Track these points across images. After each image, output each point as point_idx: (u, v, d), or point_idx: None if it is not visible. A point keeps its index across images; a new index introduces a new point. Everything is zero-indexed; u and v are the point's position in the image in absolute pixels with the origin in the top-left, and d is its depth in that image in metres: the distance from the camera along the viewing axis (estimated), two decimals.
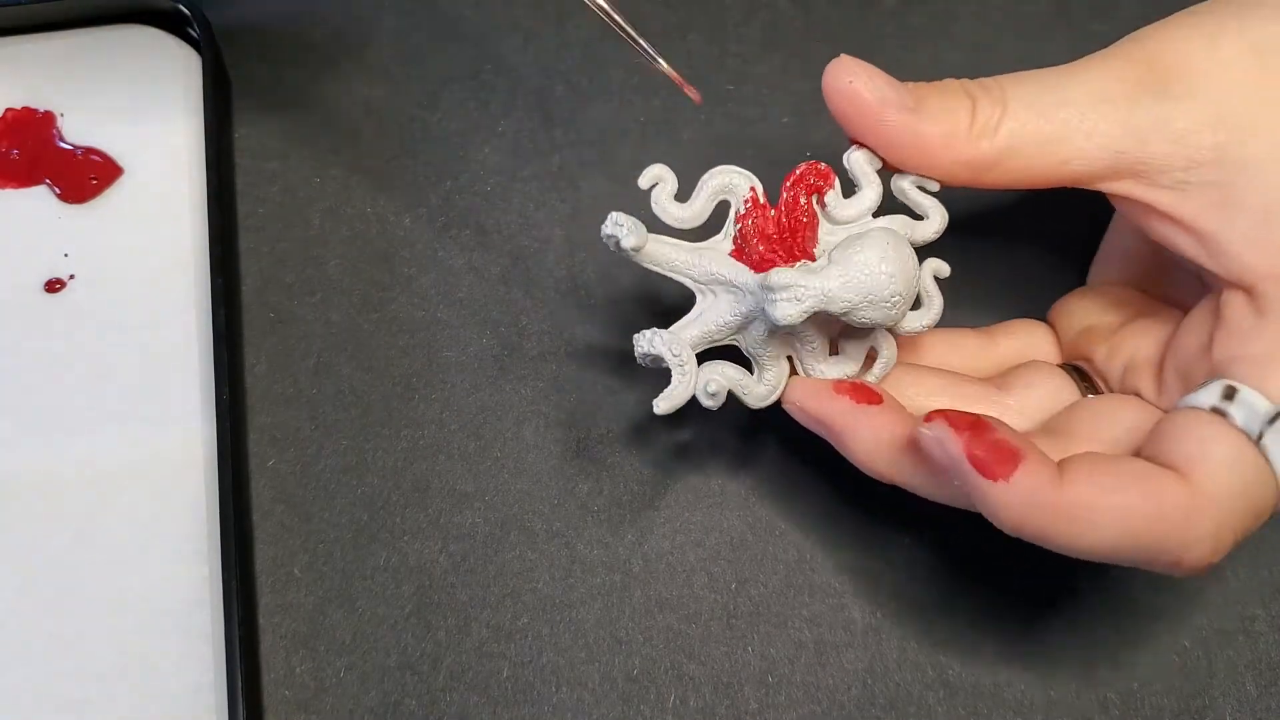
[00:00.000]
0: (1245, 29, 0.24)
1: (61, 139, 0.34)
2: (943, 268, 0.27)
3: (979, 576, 0.30)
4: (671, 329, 0.27)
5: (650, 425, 0.32)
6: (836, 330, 0.27)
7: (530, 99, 0.35)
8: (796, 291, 0.24)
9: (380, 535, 0.30)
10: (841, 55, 0.25)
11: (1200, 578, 0.30)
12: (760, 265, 0.26)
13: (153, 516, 0.30)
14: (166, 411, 0.31)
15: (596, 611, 0.30)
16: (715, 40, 0.36)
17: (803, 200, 0.27)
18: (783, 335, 0.27)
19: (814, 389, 0.27)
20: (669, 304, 0.32)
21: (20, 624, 0.29)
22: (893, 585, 0.30)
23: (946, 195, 0.26)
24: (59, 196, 0.33)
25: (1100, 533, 0.22)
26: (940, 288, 0.27)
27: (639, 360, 0.27)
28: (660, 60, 0.27)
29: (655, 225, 0.27)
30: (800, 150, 0.34)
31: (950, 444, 0.22)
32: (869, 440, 0.25)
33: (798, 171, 0.27)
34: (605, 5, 0.27)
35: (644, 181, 0.27)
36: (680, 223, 0.27)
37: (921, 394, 0.27)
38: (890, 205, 0.27)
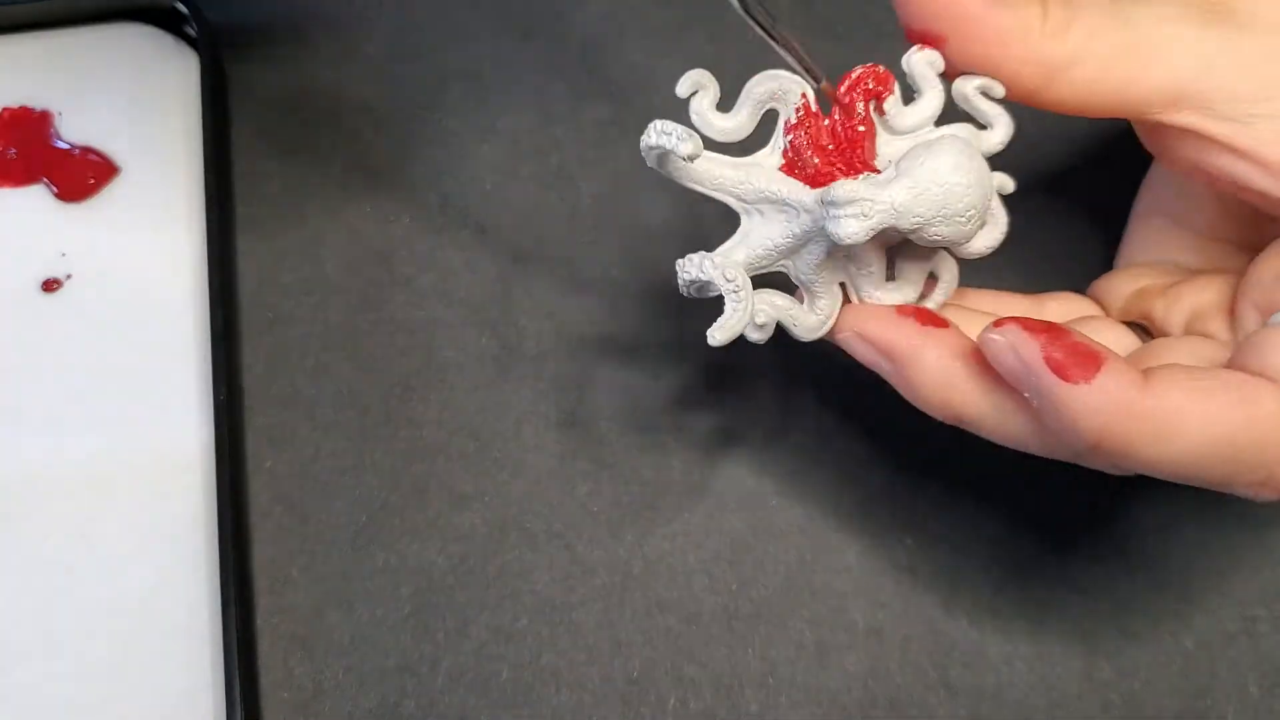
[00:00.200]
0: None
1: (59, 138, 0.33)
2: (1007, 183, 0.25)
3: (980, 578, 0.30)
4: (719, 251, 0.24)
5: (650, 425, 0.31)
6: (894, 253, 0.25)
7: (530, 98, 0.35)
8: (863, 206, 0.21)
9: (379, 536, 0.30)
10: None
11: (1200, 578, 0.30)
12: (817, 180, 0.24)
13: (150, 517, 0.30)
14: (164, 412, 0.31)
15: (596, 613, 0.30)
16: (715, 39, 0.36)
17: (860, 107, 0.24)
18: (839, 260, 0.24)
19: (876, 313, 0.25)
20: (672, 303, 0.32)
21: (16, 626, 0.29)
22: (894, 587, 0.30)
23: None
24: (56, 196, 0.33)
25: (1187, 441, 0.21)
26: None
27: (682, 290, 0.24)
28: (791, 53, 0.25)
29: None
30: None
31: (1024, 347, 0.21)
32: (935, 367, 0.23)
33: (855, 75, 0.24)
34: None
35: (683, 88, 0.24)
36: (724, 135, 0.24)
37: (974, 332, 0.26)
38: (947, 116, 0.25)
